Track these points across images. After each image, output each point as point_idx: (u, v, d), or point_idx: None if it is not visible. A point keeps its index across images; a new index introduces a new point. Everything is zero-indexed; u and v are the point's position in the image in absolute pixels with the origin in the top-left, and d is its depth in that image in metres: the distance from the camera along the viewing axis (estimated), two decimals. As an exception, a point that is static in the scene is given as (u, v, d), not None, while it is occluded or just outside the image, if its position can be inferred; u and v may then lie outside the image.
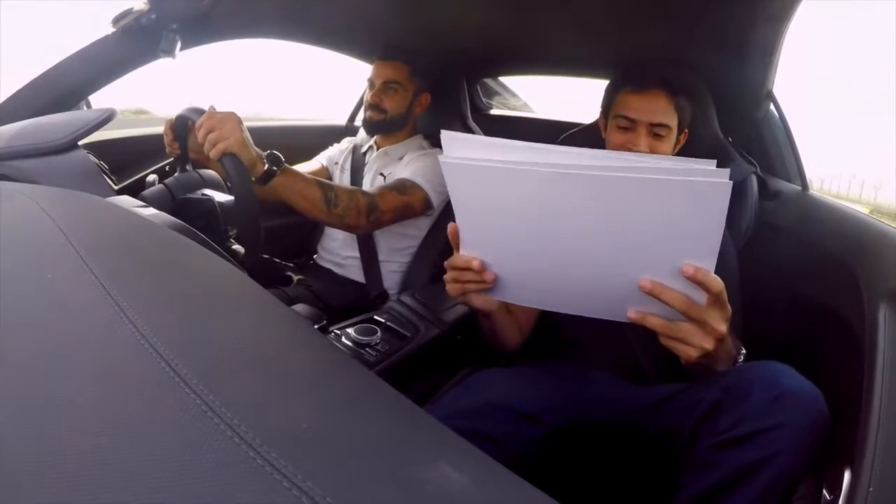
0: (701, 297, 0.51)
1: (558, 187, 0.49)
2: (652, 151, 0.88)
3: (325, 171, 1.40)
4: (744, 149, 1.06)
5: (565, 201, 0.50)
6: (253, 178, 0.86)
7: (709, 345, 0.54)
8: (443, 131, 0.53)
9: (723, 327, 0.54)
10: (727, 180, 0.43)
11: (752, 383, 0.56)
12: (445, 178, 0.56)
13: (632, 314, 0.53)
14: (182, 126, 0.94)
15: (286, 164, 0.92)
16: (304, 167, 1.35)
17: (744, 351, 0.66)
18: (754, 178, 1.01)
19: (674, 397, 0.69)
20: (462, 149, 0.54)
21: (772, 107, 1.12)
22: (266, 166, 0.88)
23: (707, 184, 0.44)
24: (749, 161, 1.02)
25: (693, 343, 0.54)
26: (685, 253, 0.49)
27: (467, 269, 0.60)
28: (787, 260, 1.00)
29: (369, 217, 1.08)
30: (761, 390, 0.55)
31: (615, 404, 0.76)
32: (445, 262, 0.63)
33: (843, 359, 0.73)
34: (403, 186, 1.16)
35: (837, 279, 0.81)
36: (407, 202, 1.15)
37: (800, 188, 1.09)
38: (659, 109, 0.87)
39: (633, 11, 0.96)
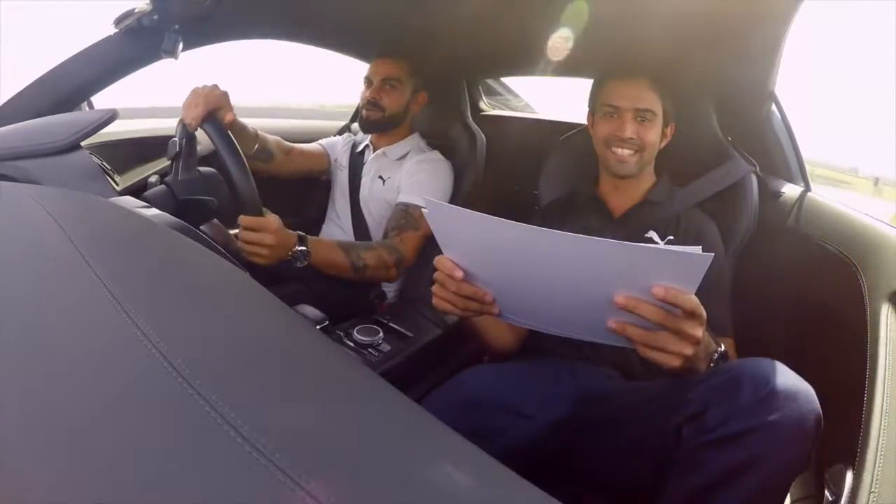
0: (676, 310, 0.51)
1: (535, 242, 0.52)
2: (639, 137, 0.90)
3: (324, 155, 1.39)
4: (745, 149, 1.06)
5: (539, 252, 0.52)
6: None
7: (688, 350, 0.54)
8: (426, 199, 0.56)
9: (699, 333, 0.53)
10: (708, 254, 0.45)
11: (741, 381, 0.56)
12: (428, 218, 0.57)
13: (611, 324, 0.54)
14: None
15: (311, 240, 0.98)
16: (304, 147, 1.36)
17: (721, 349, 0.65)
18: (754, 178, 1.01)
19: (664, 395, 0.69)
20: (447, 220, 0.57)
21: (773, 107, 1.12)
22: (290, 258, 0.95)
23: (683, 254, 0.46)
24: (749, 160, 1.02)
25: (672, 350, 0.54)
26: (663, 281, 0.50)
27: (475, 299, 0.60)
28: (789, 260, 1.00)
29: (398, 269, 1.14)
30: (749, 388, 0.55)
31: (604, 401, 0.77)
32: (434, 276, 0.62)
33: (845, 359, 0.73)
34: (413, 218, 1.19)
35: (839, 279, 0.81)
36: (423, 234, 1.19)
37: (802, 188, 1.09)
38: (643, 96, 0.90)
39: (635, 11, 0.96)
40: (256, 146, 1.17)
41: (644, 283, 0.50)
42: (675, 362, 0.55)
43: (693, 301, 0.51)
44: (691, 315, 0.52)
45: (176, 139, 0.91)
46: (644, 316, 0.51)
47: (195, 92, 0.93)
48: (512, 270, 0.57)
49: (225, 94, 0.93)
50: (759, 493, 0.53)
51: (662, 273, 0.49)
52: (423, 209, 1.18)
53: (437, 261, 0.60)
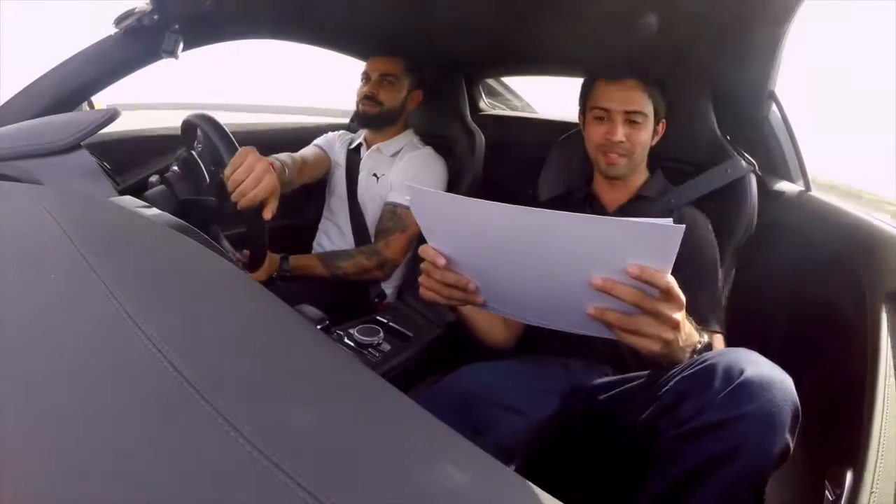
0: (653, 290, 0.51)
1: (514, 221, 0.52)
2: (629, 140, 0.91)
3: (325, 158, 1.38)
4: (745, 148, 1.06)
5: (518, 232, 0.52)
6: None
7: (667, 334, 0.53)
8: (410, 186, 0.55)
9: (678, 316, 0.53)
10: (679, 225, 0.45)
11: (715, 372, 0.55)
12: (412, 206, 0.58)
13: (590, 310, 0.53)
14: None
15: (292, 260, 1.14)
16: (305, 150, 1.35)
17: (706, 338, 0.65)
18: (753, 178, 1.01)
19: (644, 387, 0.69)
20: (430, 206, 0.57)
21: (774, 107, 1.12)
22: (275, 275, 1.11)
23: (654, 226, 0.46)
24: (747, 160, 1.02)
25: (650, 333, 0.53)
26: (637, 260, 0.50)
27: (458, 287, 0.60)
28: (789, 260, 1.00)
29: (383, 270, 1.21)
30: (723, 379, 0.54)
31: (594, 395, 0.77)
32: (423, 265, 0.62)
33: (845, 359, 0.73)
34: (400, 218, 1.22)
35: (839, 279, 0.81)
36: (411, 234, 1.22)
37: (802, 188, 1.09)
38: (633, 98, 0.91)
39: (636, 12, 0.96)
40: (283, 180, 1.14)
41: (619, 262, 0.49)
42: (655, 346, 0.54)
43: (668, 279, 0.50)
44: (668, 295, 0.51)
45: (199, 161, 0.87)
46: (620, 297, 0.50)
47: (250, 165, 0.84)
48: (494, 255, 0.57)
49: (277, 186, 0.88)
50: (738, 483, 0.52)
51: (636, 249, 0.48)
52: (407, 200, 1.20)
53: (422, 250, 0.60)
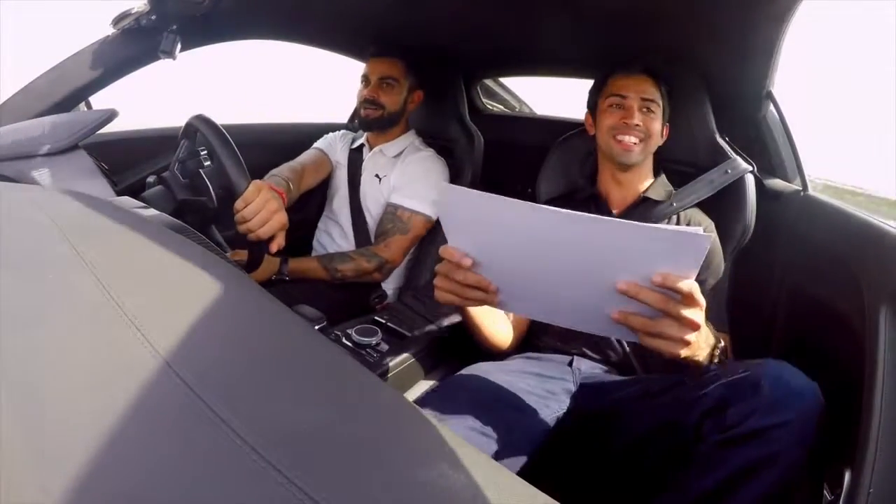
0: (676, 295, 0.53)
1: (547, 223, 0.53)
2: (645, 126, 0.93)
3: (326, 161, 1.38)
4: (743, 149, 1.06)
5: (550, 234, 0.53)
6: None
7: (690, 336, 0.55)
8: (441, 185, 0.56)
9: (700, 318, 0.55)
10: (709, 234, 0.47)
11: (762, 380, 0.57)
12: (439, 204, 0.58)
13: (614, 315, 0.55)
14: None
15: (291, 263, 1.16)
16: (305, 156, 1.35)
17: (722, 344, 0.66)
18: (752, 178, 1.01)
19: (668, 390, 0.69)
20: (462, 204, 0.57)
21: (772, 107, 1.12)
22: (274, 278, 1.15)
23: (684, 234, 0.48)
24: (746, 161, 1.02)
25: (674, 337, 0.55)
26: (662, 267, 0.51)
27: (478, 287, 0.60)
28: (788, 260, 1.00)
29: (381, 272, 1.22)
30: (771, 387, 0.56)
31: (604, 393, 0.77)
32: (438, 268, 0.62)
33: (844, 359, 0.73)
34: (402, 221, 1.23)
35: (838, 280, 0.81)
36: (413, 236, 1.23)
37: (800, 188, 1.09)
38: (647, 88, 0.95)
39: (634, 11, 0.96)
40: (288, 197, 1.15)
41: (645, 267, 0.51)
42: (677, 349, 0.56)
43: (691, 283, 0.52)
44: (690, 299, 0.53)
45: (207, 181, 0.85)
46: (645, 301, 0.52)
47: (261, 204, 0.83)
48: (519, 255, 0.57)
49: (286, 223, 0.89)
50: (775, 485, 0.54)
51: (666, 255, 0.50)
52: (414, 212, 1.23)
53: (444, 250, 0.60)
